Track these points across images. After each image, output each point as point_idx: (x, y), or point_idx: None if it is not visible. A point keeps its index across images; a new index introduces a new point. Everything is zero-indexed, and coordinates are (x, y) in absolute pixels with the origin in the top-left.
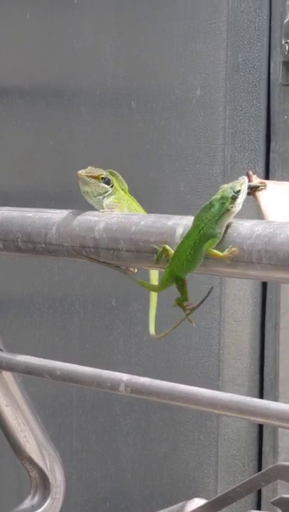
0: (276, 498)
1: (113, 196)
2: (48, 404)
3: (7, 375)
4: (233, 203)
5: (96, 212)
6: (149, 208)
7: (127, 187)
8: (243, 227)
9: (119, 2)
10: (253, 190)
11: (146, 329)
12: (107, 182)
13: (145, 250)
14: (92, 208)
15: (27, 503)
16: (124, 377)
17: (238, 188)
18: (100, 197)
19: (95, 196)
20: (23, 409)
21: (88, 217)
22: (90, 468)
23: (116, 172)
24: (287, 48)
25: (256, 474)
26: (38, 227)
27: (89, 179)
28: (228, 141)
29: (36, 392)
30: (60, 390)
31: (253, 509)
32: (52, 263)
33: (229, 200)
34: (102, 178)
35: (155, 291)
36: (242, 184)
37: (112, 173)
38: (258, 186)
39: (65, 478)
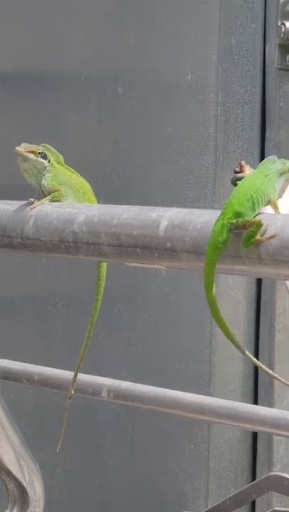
0: (269, 511)
1: (51, 174)
2: (27, 413)
3: None
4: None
5: (76, 204)
6: (137, 201)
7: (62, 159)
8: None
9: None
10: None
11: (134, 332)
12: (44, 157)
13: (128, 244)
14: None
15: None
16: (107, 381)
17: None
18: (39, 174)
19: (34, 174)
20: (0, 418)
21: (67, 209)
22: (73, 481)
23: (49, 145)
24: (283, 29)
25: (247, 486)
26: (14, 220)
27: (28, 154)
28: (220, 129)
29: (16, 399)
30: (40, 397)
31: None
32: (34, 261)
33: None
34: (39, 152)
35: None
36: None
37: (45, 148)
38: None
39: (46, 492)
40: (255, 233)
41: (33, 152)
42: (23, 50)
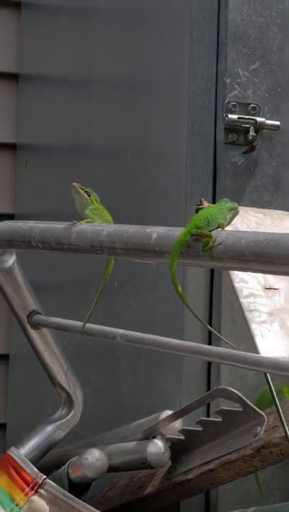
0: (218, 409)
1: (91, 206)
2: (73, 351)
3: (45, 331)
4: (236, 209)
5: (101, 224)
6: (138, 224)
7: (99, 199)
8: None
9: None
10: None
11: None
12: (88, 195)
13: (133, 248)
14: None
15: (58, 413)
16: (120, 331)
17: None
18: (84, 205)
19: (80, 204)
20: (56, 353)
21: (96, 227)
22: (100, 393)
23: (92, 190)
24: (226, 119)
25: (205, 394)
26: (64, 233)
27: (79, 189)
28: (189, 180)
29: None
30: (80, 341)
31: (204, 417)
32: (77, 258)
33: (236, 205)
34: (86, 191)
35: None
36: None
37: (90, 190)
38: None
39: (83, 399)
40: (208, 243)
41: (82, 189)
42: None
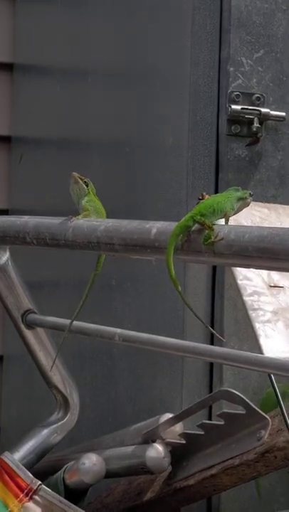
0: (220, 412)
1: (87, 197)
2: (69, 351)
3: (40, 330)
4: (246, 199)
5: (99, 219)
6: (139, 219)
7: (95, 191)
8: None
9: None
10: None
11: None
12: (86, 185)
13: (132, 244)
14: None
15: (54, 416)
16: (118, 330)
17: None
18: (81, 196)
19: (77, 194)
20: (51, 354)
21: (93, 222)
22: (97, 394)
23: (92, 183)
24: (229, 110)
25: (207, 396)
26: (60, 229)
27: (78, 179)
28: (190, 173)
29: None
30: (76, 341)
31: (206, 420)
32: (73, 255)
33: (247, 194)
34: (85, 181)
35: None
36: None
37: (88, 181)
38: None
39: (80, 401)
40: (210, 236)
41: (81, 179)
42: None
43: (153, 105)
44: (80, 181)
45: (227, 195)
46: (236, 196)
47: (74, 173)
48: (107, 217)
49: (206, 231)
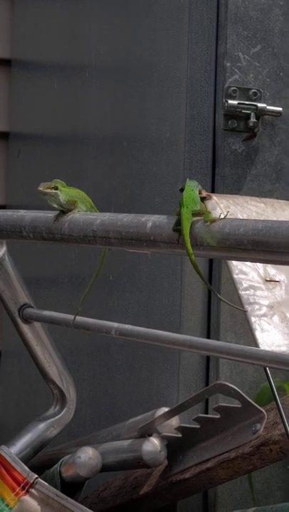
0: (216, 405)
1: (63, 195)
2: (66, 346)
3: (37, 324)
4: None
5: (95, 213)
6: (135, 213)
7: (64, 183)
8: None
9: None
10: (202, 200)
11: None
12: (56, 188)
13: (127, 237)
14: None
15: (51, 410)
16: (115, 324)
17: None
18: (56, 199)
19: (52, 200)
20: (48, 348)
21: (89, 216)
22: (94, 389)
23: (57, 179)
24: (226, 104)
25: (203, 390)
26: (57, 223)
27: (45, 190)
28: (187, 166)
29: (58, 337)
30: (74, 335)
31: (202, 413)
32: (69, 249)
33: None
34: (52, 187)
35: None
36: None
37: (55, 181)
38: (205, 197)
39: (77, 395)
40: (209, 215)
41: (48, 188)
42: (58, 113)
43: (150, 100)
44: (48, 190)
45: (191, 188)
46: (194, 185)
47: (38, 188)
48: (103, 210)
49: (203, 216)
